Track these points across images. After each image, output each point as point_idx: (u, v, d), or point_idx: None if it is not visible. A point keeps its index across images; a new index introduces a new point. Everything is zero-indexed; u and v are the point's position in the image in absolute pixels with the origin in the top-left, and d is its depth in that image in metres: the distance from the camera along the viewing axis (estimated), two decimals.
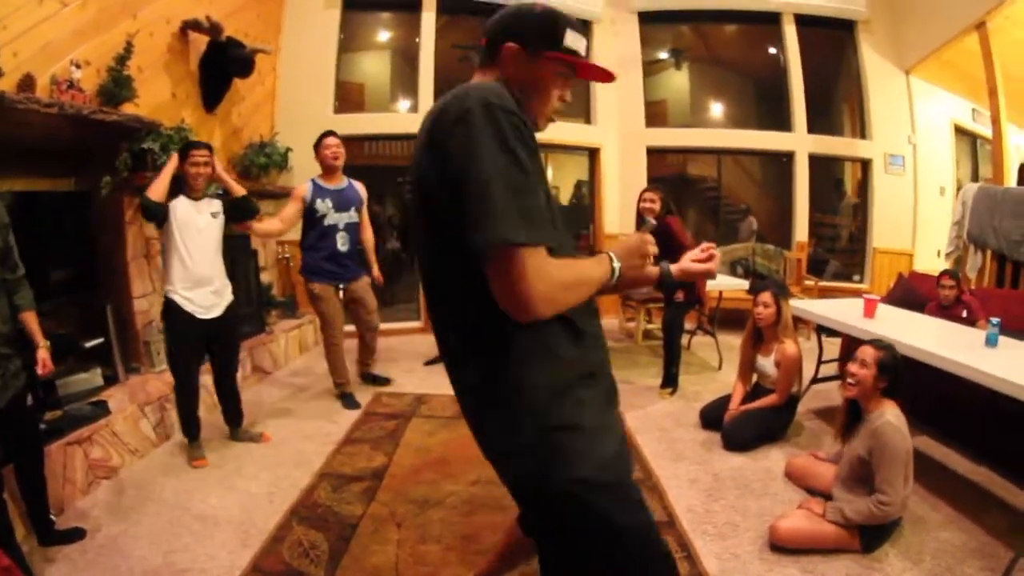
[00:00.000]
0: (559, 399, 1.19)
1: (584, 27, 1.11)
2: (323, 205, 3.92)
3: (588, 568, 1.27)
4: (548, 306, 1.09)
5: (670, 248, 3.73)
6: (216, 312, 3.24)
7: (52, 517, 2.48)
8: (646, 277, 1.37)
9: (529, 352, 1.18)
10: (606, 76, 1.33)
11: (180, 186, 3.18)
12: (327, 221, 3.93)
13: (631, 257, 1.29)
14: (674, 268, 1.47)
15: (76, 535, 2.49)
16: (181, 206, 3.13)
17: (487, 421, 1.28)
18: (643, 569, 1.29)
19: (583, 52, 1.27)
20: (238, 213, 3.36)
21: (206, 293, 3.19)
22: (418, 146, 1.20)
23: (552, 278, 1.08)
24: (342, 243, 3.99)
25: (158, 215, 3.06)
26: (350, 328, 4.30)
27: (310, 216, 3.95)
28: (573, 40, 1.24)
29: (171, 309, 3.13)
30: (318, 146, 4.00)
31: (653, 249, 1.33)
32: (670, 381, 4.41)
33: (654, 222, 1.45)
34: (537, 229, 1.06)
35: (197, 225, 3.17)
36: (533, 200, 1.07)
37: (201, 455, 3.25)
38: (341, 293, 4.08)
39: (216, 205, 3.27)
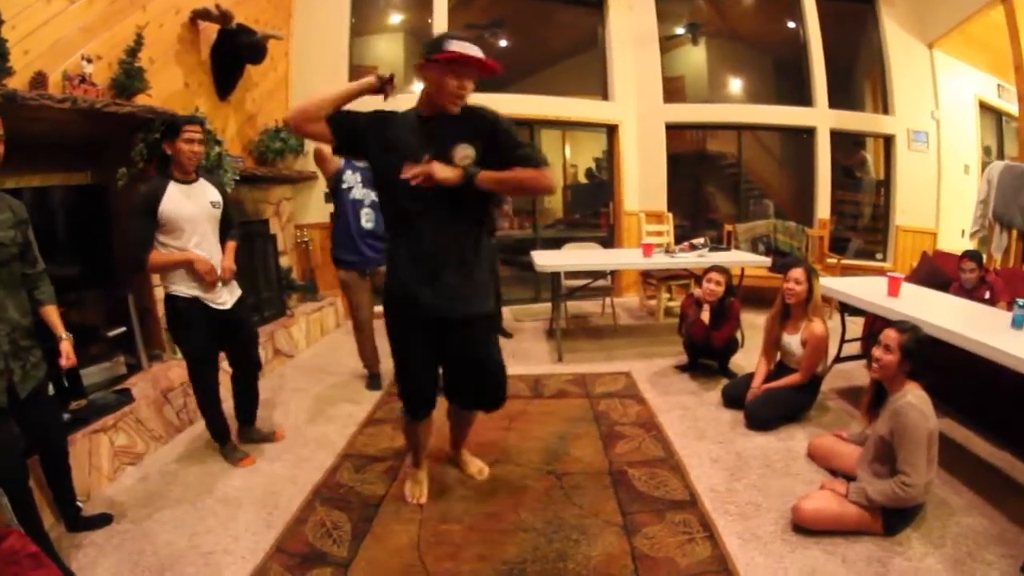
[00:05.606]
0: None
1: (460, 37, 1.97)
2: (351, 177, 3.82)
3: None
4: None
5: (722, 322, 4.09)
6: (228, 303, 2.96)
7: (79, 504, 2.52)
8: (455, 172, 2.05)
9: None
10: (485, 64, 1.97)
11: (166, 170, 2.79)
12: (352, 195, 3.82)
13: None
14: (486, 174, 2.07)
15: (103, 521, 2.52)
16: (174, 199, 2.72)
17: None
18: None
19: (466, 51, 1.91)
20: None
21: (216, 285, 2.90)
22: None
23: None
24: (366, 220, 3.83)
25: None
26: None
27: (336, 187, 3.84)
28: (452, 46, 1.90)
29: (179, 307, 2.82)
30: None
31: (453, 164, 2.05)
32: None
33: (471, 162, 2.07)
34: None
35: (198, 216, 2.81)
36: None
37: (244, 454, 3.12)
38: (368, 279, 3.92)
39: (214, 194, 2.93)
